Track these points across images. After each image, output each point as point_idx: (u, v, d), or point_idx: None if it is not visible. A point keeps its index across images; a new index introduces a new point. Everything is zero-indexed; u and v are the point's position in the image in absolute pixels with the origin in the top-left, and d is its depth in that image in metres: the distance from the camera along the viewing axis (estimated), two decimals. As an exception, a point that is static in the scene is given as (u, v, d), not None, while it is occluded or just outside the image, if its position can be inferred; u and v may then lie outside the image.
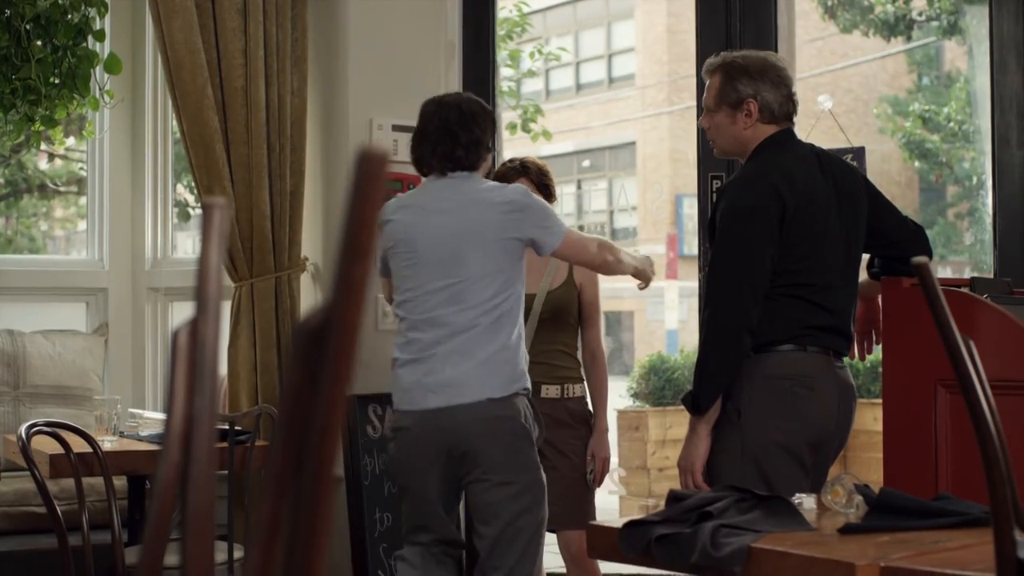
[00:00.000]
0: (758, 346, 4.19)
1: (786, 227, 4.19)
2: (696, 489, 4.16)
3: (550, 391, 5.33)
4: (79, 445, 4.88)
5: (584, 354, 5.46)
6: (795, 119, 4.42)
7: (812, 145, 4.51)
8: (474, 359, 4.47)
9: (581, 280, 5.41)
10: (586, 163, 29.45)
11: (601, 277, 5.27)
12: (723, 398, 4.20)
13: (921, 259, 2.26)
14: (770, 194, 4.19)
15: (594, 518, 5.19)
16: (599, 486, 5.41)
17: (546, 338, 5.36)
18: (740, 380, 4.19)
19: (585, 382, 5.44)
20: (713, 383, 4.19)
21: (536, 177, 5.39)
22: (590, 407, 5.43)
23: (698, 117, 5.98)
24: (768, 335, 4.19)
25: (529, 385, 4.57)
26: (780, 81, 4.37)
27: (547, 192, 5.39)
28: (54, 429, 4.90)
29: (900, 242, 4.46)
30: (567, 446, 5.31)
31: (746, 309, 4.16)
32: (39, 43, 6.05)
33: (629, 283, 5.04)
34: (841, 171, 4.41)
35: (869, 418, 9.02)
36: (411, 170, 6.03)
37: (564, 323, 5.39)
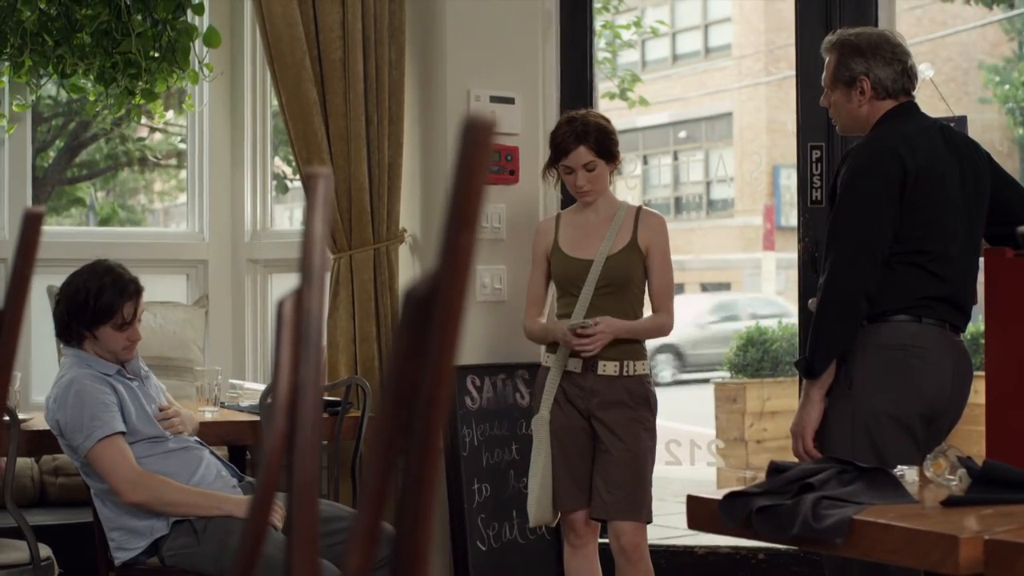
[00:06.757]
0: (873, 315, 4.18)
1: (907, 193, 4.18)
2: (806, 455, 4.16)
3: (607, 368, 4.92)
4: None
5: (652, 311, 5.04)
6: (914, 92, 4.40)
7: (937, 119, 4.50)
8: None
9: (647, 242, 4.99)
10: (682, 134, 29.29)
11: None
12: (837, 366, 4.19)
13: (1026, 228, 2.23)
14: (892, 159, 4.18)
15: (650, 510, 4.96)
16: (578, 342, 4.82)
17: (605, 307, 4.93)
18: (854, 349, 4.18)
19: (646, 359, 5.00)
20: (827, 347, 4.18)
21: (596, 144, 4.98)
22: (653, 388, 5.02)
23: (797, 87, 5.96)
24: (883, 304, 4.18)
25: None
26: (894, 57, 4.35)
27: (612, 157, 5.00)
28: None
29: None
30: (623, 429, 4.90)
31: (864, 273, 4.15)
32: (139, 17, 6.09)
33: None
34: (966, 145, 4.40)
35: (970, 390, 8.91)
36: (510, 142, 6.04)
37: (626, 291, 4.97)
